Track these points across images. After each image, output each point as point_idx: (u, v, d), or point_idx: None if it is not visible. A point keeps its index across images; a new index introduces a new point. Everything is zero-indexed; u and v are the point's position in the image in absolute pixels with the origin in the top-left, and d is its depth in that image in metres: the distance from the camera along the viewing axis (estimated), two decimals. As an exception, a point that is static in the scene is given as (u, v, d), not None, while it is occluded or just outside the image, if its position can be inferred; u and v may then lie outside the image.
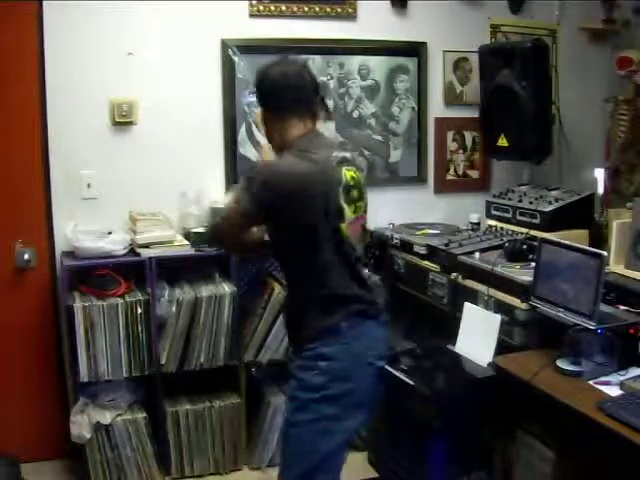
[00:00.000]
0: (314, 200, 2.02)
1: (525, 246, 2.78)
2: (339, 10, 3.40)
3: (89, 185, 3.13)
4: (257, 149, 3.28)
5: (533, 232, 3.00)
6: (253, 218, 2.10)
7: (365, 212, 2.23)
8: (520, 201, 3.22)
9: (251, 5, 3.28)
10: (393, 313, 3.27)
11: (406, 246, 3.22)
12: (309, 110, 2.15)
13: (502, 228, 3.22)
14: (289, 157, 2.08)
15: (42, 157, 3.08)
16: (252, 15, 3.28)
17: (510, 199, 3.30)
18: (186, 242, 3.08)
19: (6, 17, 2.94)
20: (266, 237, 2.25)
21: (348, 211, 2.09)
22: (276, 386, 3.26)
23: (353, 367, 2.08)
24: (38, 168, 3.08)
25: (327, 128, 3.42)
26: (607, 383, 2.21)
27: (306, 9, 3.36)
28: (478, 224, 3.41)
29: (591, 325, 2.25)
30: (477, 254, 2.85)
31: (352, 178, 2.11)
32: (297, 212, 2.03)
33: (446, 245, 3.00)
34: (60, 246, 3.09)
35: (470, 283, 2.80)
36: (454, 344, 2.77)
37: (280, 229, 2.12)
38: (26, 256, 3.08)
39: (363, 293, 2.13)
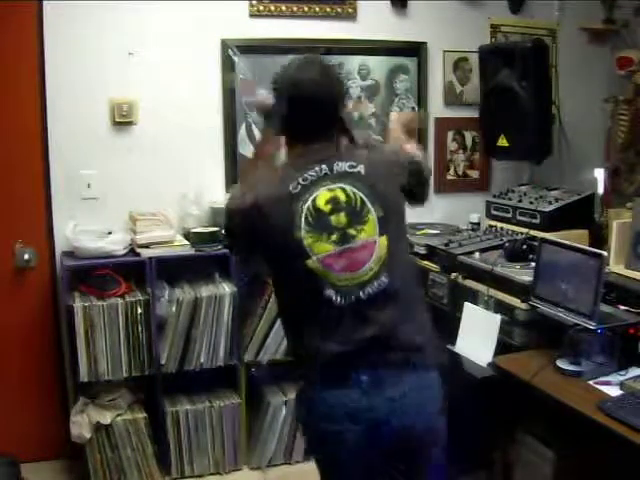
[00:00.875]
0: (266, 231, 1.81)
1: (525, 246, 2.78)
2: (339, 10, 3.40)
3: (89, 185, 3.13)
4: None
5: (533, 232, 3.00)
6: None
7: (384, 234, 1.81)
8: (520, 201, 3.22)
9: (251, 5, 3.28)
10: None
11: (406, 246, 3.21)
12: (314, 128, 1.87)
13: (502, 228, 3.22)
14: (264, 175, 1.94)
15: (42, 157, 3.08)
16: (252, 15, 3.28)
17: (510, 199, 3.29)
18: (186, 242, 3.08)
19: (6, 17, 2.94)
20: None
21: (320, 243, 1.76)
22: (276, 386, 3.26)
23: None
24: (38, 168, 3.08)
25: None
26: (607, 383, 2.21)
27: (306, 9, 3.36)
28: (478, 224, 3.40)
29: (591, 325, 2.25)
30: (477, 254, 2.85)
31: (332, 201, 1.78)
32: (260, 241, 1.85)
33: (446, 245, 3.00)
34: (60, 246, 3.10)
35: (470, 283, 2.80)
36: (454, 344, 2.77)
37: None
38: (26, 256, 3.08)
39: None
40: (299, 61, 1.94)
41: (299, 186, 1.79)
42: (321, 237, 1.77)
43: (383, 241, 1.79)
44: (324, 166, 1.81)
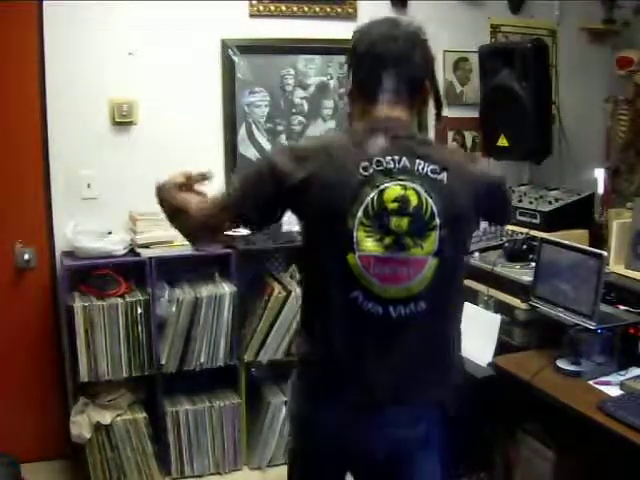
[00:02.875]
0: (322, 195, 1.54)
1: (525, 246, 2.78)
2: (339, 10, 3.40)
3: (89, 185, 3.13)
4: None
5: (533, 232, 3.00)
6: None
7: (438, 256, 1.55)
8: (520, 201, 3.22)
9: (251, 5, 3.27)
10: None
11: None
12: (380, 89, 1.61)
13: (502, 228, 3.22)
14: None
15: (42, 157, 3.07)
16: (252, 15, 3.28)
17: (510, 199, 3.29)
18: (186, 242, 3.07)
19: (6, 17, 2.94)
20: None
21: (370, 240, 1.54)
22: (276, 386, 3.26)
23: None
24: (38, 168, 3.08)
25: (325, 128, 3.45)
26: (607, 383, 2.21)
27: (306, 9, 3.35)
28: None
29: (591, 325, 2.25)
30: (477, 254, 2.85)
31: (401, 200, 1.54)
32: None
33: (446, 245, 3.00)
34: (60, 246, 3.09)
35: (470, 283, 2.80)
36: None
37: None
38: (26, 256, 3.08)
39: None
40: (377, 19, 1.74)
41: (371, 169, 1.54)
42: (374, 235, 1.54)
43: (434, 263, 1.55)
44: (405, 158, 1.55)
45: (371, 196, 1.53)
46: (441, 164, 1.56)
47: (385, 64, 1.59)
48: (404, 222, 1.53)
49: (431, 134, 3.64)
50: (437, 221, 1.54)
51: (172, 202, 1.70)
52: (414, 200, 1.54)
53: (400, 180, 1.54)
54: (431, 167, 1.55)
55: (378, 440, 1.60)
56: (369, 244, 1.53)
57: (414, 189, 1.54)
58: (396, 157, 1.55)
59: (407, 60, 1.60)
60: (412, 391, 1.60)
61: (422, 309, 1.56)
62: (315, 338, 1.64)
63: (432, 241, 1.54)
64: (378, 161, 1.54)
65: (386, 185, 1.53)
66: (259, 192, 1.59)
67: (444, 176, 1.56)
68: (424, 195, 1.54)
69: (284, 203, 1.61)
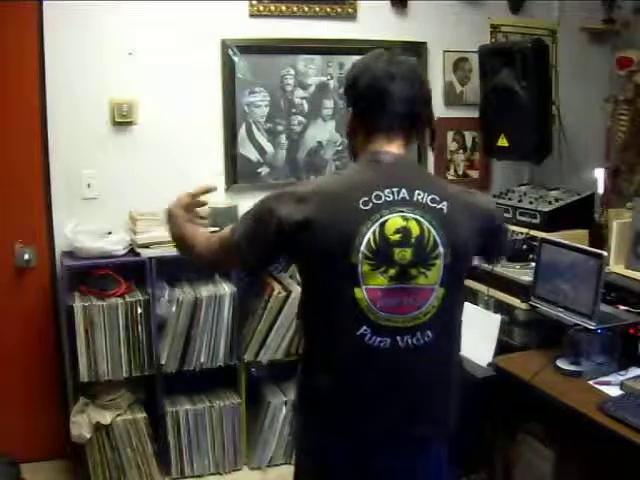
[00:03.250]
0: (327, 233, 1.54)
1: (525, 246, 2.78)
2: (339, 10, 3.40)
3: (89, 185, 3.13)
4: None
5: (533, 232, 3.00)
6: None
7: (444, 285, 1.55)
8: (520, 201, 3.22)
9: (251, 5, 3.27)
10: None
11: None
12: (380, 123, 1.64)
13: (502, 228, 3.22)
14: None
15: (42, 157, 3.07)
16: (252, 15, 3.28)
17: (510, 199, 3.29)
18: (186, 242, 3.08)
19: (6, 17, 2.94)
20: None
21: (375, 273, 1.54)
22: (276, 386, 3.26)
23: None
24: (38, 168, 3.08)
25: (325, 128, 3.45)
26: (607, 383, 2.21)
27: (306, 9, 3.35)
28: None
29: (591, 325, 2.25)
30: (477, 254, 2.85)
31: (403, 231, 1.54)
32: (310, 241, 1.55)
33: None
34: (60, 246, 3.09)
35: (470, 283, 2.80)
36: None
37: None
38: (26, 256, 3.08)
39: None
40: (374, 53, 1.74)
41: (370, 204, 1.53)
42: (379, 268, 1.53)
43: (440, 292, 1.55)
44: (404, 190, 1.55)
45: (372, 229, 1.53)
46: (440, 194, 1.57)
47: (384, 101, 1.61)
48: (407, 253, 1.53)
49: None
50: (440, 250, 1.54)
51: (181, 233, 1.80)
52: (416, 230, 1.54)
53: (400, 212, 1.54)
54: (431, 197, 1.56)
55: (388, 473, 1.60)
56: (375, 277, 1.53)
57: (415, 219, 1.54)
58: (395, 189, 1.55)
59: (405, 97, 1.62)
60: (420, 424, 1.60)
61: (429, 338, 1.56)
62: (322, 376, 1.62)
63: (437, 270, 1.54)
64: (377, 195, 1.54)
65: (387, 217, 1.53)
66: (262, 241, 1.61)
67: (444, 205, 1.56)
68: (426, 224, 1.54)
69: (285, 249, 1.62)
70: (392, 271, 1.53)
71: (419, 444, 1.61)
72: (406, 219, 1.54)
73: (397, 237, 1.53)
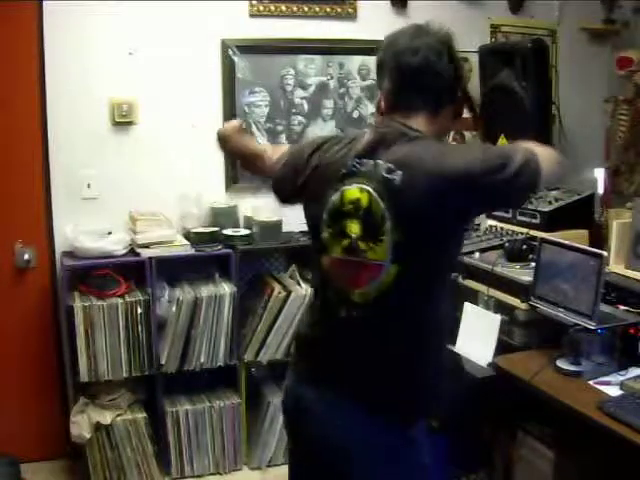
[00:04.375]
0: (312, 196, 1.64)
1: (525, 246, 2.78)
2: (339, 10, 3.40)
3: (89, 185, 3.13)
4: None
5: (533, 232, 3.00)
6: None
7: (397, 262, 1.50)
8: (520, 201, 3.22)
9: (251, 5, 3.27)
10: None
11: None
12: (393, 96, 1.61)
13: (502, 228, 3.22)
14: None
15: (42, 157, 3.08)
16: (252, 15, 3.28)
17: (510, 199, 3.29)
18: (186, 242, 3.08)
19: (6, 17, 2.94)
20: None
21: (334, 243, 1.57)
22: (276, 386, 3.25)
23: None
24: (38, 168, 3.08)
25: (325, 128, 3.45)
26: (607, 383, 2.21)
27: (306, 9, 3.36)
28: (478, 224, 3.40)
29: (591, 325, 2.25)
30: (477, 254, 2.85)
31: (355, 203, 1.53)
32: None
33: (446, 245, 2.99)
34: (60, 246, 3.09)
35: (470, 283, 2.80)
36: (454, 344, 2.77)
37: None
38: (26, 256, 3.08)
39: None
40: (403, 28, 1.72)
41: (344, 170, 1.57)
42: (335, 237, 1.57)
43: (393, 269, 1.50)
44: (372, 160, 1.53)
45: (334, 198, 1.56)
46: (399, 162, 1.49)
47: (404, 77, 1.57)
48: (354, 226, 1.53)
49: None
50: (387, 226, 1.48)
51: (244, 149, 1.88)
52: (365, 203, 1.51)
53: (359, 182, 1.53)
54: (387, 166, 1.50)
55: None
56: (333, 246, 1.57)
57: (367, 191, 1.51)
58: (365, 159, 1.54)
59: (426, 72, 1.56)
60: (364, 390, 1.57)
61: (377, 314, 1.55)
62: (300, 327, 1.85)
63: (385, 247, 1.49)
64: (352, 164, 1.55)
65: (347, 187, 1.54)
66: (290, 178, 1.73)
67: (397, 175, 1.48)
68: (375, 197, 1.50)
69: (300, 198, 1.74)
70: (345, 242, 1.54)
71: (358, 410, 1.56)
72: (362, 191, 1.52)
73: (350, 208, 1.53)
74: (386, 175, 1.49)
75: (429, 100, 1.58)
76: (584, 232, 3.05)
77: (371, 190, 1.51)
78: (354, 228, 1.52)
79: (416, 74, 1.56)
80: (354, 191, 1.53)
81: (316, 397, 1.61)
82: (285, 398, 1.77)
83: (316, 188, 1.61)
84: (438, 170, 1.47)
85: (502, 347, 2.57)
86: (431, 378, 1.62)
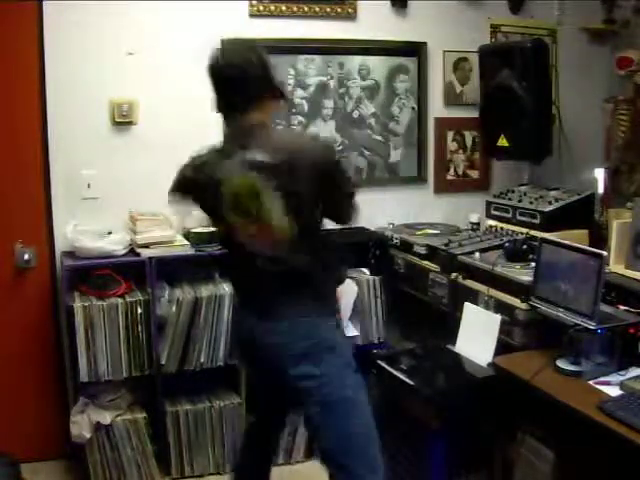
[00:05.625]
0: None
1: (525, 246, 2.78)
2: (339, 10, 3.40)
3: (89, 185, 3.13)
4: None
5: (533, 232, 3.00)
6: None
7: (279, 223, 2.00)
8: (520, 201, 3.22)
9: (251, 5, 3.28)
10: (393, 313, 3.31)
11: (406, 246, 3.22)
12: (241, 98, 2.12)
13: (502, 228, 3.22)
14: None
15: (42, 157, 3.08)
16: (252, 15, 3.28)
17: (510, 199, 3.29)
18: (186, 242, 3.08)
19: (6, 17, 2.94)
20: None
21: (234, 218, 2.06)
22: (276, 386, 3.25)
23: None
24: (38, 168, 3.08)
25: (325, 128, 3.45)
26: (607, 383, 2.21)
27: (306, 9, 3.36)
28: (478, 224, 3.41)
29: (591, 325, 2.25)
30: (477, 254, 2.85)
31: (242, 186, 2.01)
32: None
33: (446, 245, 3.00)
34: (60, 246, 3.09)
35: (470, 283, 2.80)
36: (454, 344, 2.77)
37: None
38: (26, 256, 3.08)
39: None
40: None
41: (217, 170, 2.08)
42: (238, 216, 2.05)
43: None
44: (242, 154, 2.03)
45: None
46: (266, 148, 2.03)
47: (224, 85, 2.13)
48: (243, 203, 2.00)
49: (431, 135, 3.65)
50: (258, 198, 1.98)
51: None
52: (248, 185, 1.99)
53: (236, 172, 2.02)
54: (259, 154, 2.02)
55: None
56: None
57: (246, 177, 1.99)
58: (237, 156, 2.04)
59: (241, 80, 2.09)
60: (276, 310, 2.12)
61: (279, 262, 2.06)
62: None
63: (266, 214, 1.98)
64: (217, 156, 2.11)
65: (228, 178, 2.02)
66: None
67: (266, 157, 2.01)
68: (254, 180, 1.98)
69: None
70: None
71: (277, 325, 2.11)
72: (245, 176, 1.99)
73: (238, 189, 2.01)
74: (259, 159, 2.04)
75: (247, 99, 2.14)
76: (584, 232, 3.05)
77: (252, 175, 2.03)
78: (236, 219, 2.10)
79: (233, 82, 2.13)
80: (237, 179, 2.07)
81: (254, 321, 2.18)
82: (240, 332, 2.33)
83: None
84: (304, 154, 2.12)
85: (502, 347, 2.58)
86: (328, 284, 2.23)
